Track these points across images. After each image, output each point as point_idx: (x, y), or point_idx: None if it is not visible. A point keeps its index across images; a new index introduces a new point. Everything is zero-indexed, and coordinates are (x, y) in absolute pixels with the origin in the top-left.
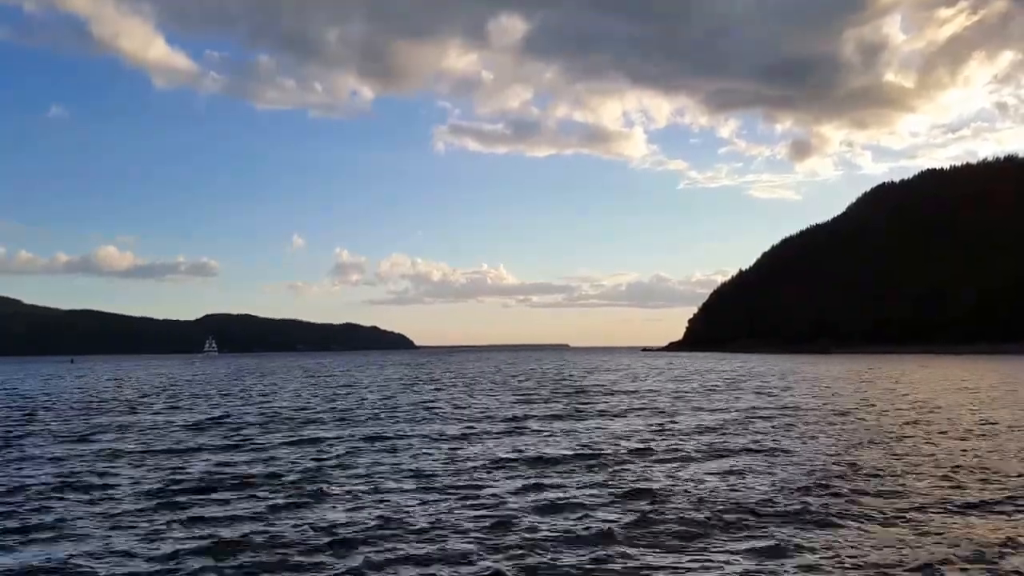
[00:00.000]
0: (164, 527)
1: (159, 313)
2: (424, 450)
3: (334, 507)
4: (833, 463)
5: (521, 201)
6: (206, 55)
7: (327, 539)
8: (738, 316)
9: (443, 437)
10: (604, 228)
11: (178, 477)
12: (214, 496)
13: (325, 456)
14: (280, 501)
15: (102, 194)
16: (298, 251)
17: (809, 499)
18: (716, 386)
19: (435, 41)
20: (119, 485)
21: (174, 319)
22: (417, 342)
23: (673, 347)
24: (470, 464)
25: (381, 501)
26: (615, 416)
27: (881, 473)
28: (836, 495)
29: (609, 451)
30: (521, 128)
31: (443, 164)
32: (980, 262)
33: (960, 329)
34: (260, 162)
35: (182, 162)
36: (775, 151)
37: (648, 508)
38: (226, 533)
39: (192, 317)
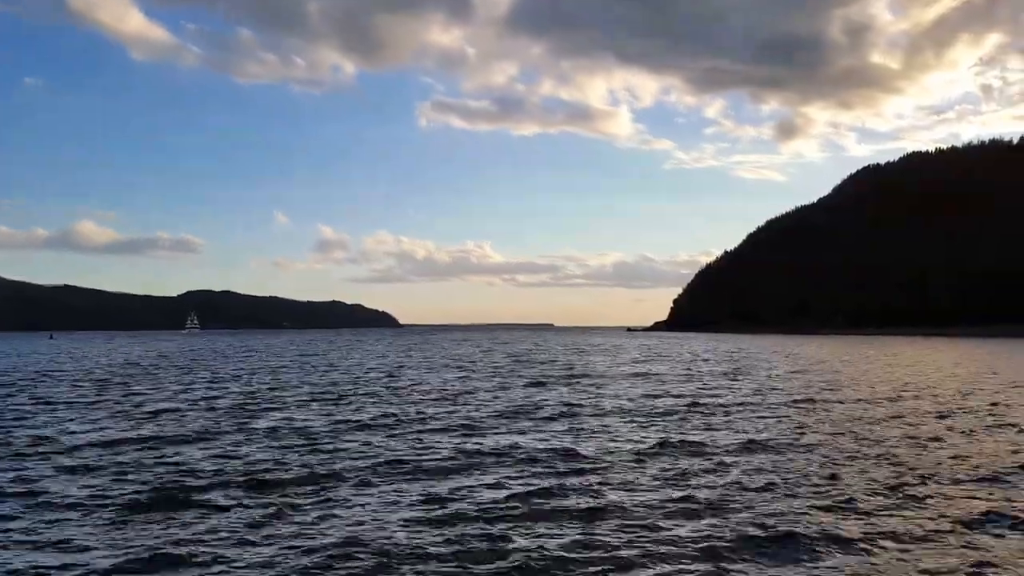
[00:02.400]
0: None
1: (140, 289)
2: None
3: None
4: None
5: (506, 179)
6: (185, 28)
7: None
8: (723, 297)
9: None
10: (590, 207)
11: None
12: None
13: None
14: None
15: (81, 169)
16: (281, 228)
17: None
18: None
19: (418, 15)
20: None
21: (156, 295)
22: (401, 320)
23: (658, 327)
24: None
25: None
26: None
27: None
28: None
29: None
30: (506, 105)
31: (427, 141)
32: (964, 245)
33: (942, 311)
34: (241, 137)
35: (162, 137)
36: (761, 132)
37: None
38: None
39: (174, 293)
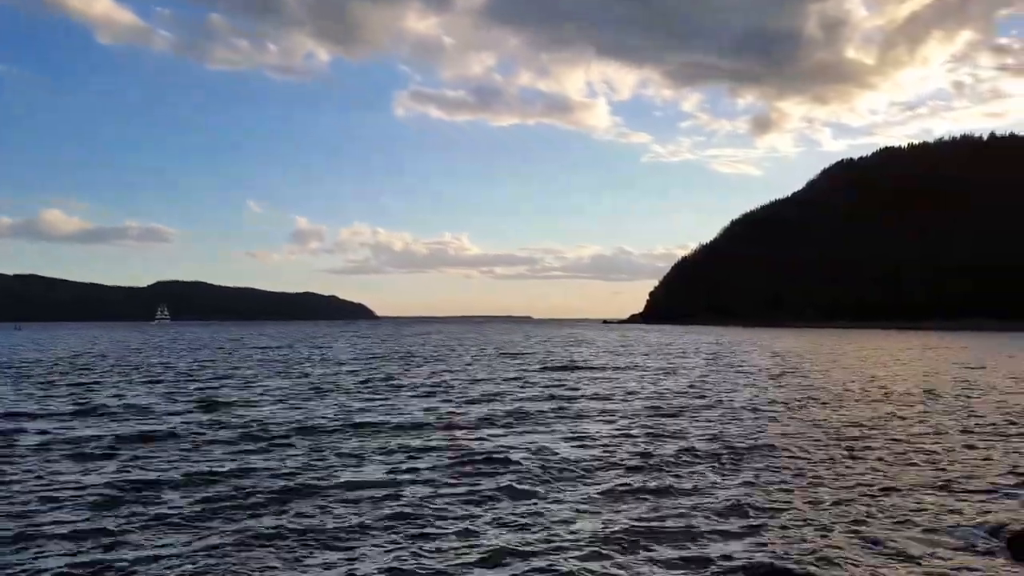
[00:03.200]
0: None
1: (109, 280)
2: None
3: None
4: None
5: (484, 171)
6: (154, 12)
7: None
8: (698, 290)
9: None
10: (567, 200)
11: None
12: None
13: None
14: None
15: (46, 155)
16: (255, 218)
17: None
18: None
19: (393, 2)
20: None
21: (125, 286)
22: (378, 313)
23: (634, 320)
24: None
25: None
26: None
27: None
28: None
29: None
30: (484, 96)
31: (404, 131)
32: (936, 240)
33: (915, 305)
34: (213, 124)
35: (130, 123)
36: (737, 126)
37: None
38: None
39: (144, 284)
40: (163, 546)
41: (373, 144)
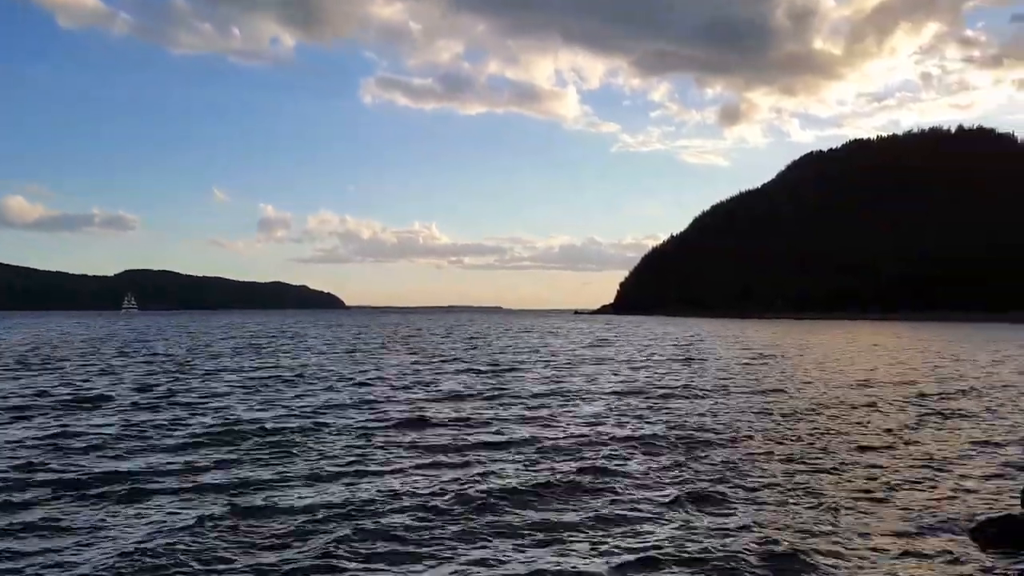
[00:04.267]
0: None
1: (73, 268)
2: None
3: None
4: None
5: (453, 159)
6: None
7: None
8: (668, 281)
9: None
10: (537, 189)
11: None
12: None
13: None
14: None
15: (6, 141)
16: (220, 206)
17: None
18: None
19: None
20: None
21: (91, 274)
22: (347, 302)
23: (604, 311)
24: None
25: None
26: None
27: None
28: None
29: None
30: (451, 83)
31: (371, 118)
32: (904, 231)
33: (884, 296)
34: (176, 110)
35: (92, 108)
36: (705, 116)
37: None
38: None
39: (110, 272)
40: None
41: (340, 131)
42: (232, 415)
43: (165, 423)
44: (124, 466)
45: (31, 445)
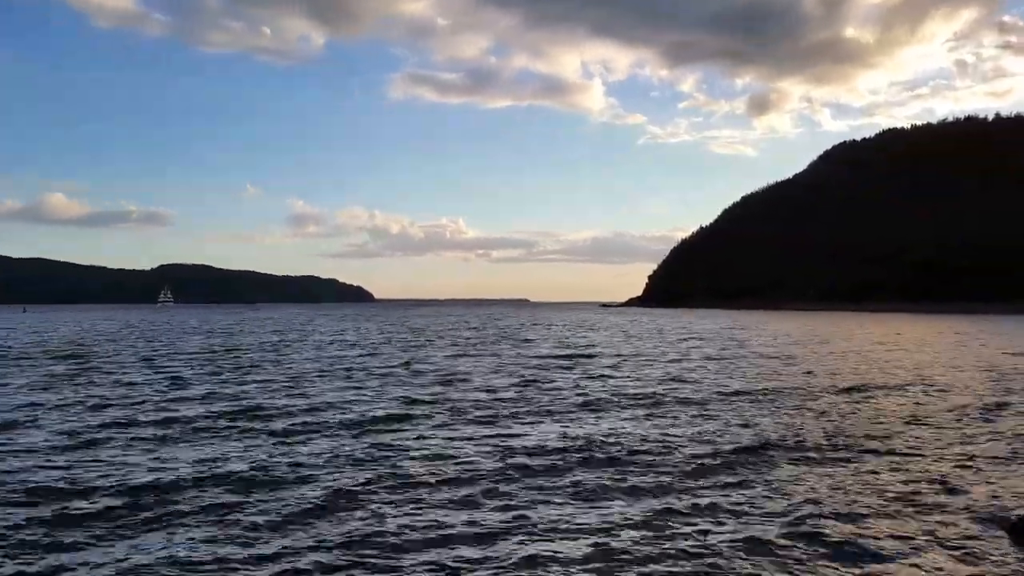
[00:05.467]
0: None
1: (112, 263)
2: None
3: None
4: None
5: (480, 154)
6: None
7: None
8: (698, 273)
9: None
10: (564, 182)
11: None
12: None
13: None
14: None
15: (46, 139)
16: (252, 201)
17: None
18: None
19: None
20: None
21: (129, 269)
22: (376, 295)
23: (633, 303)
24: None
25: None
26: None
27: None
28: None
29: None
30: (478, 78)
31: (399, 113)
32: (939, 221)
33: (917, 287)
34: (208, 107)
35: (127, 107)
36: (735, 106)
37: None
38: None
39: (147, 267)
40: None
41: (368, 127)
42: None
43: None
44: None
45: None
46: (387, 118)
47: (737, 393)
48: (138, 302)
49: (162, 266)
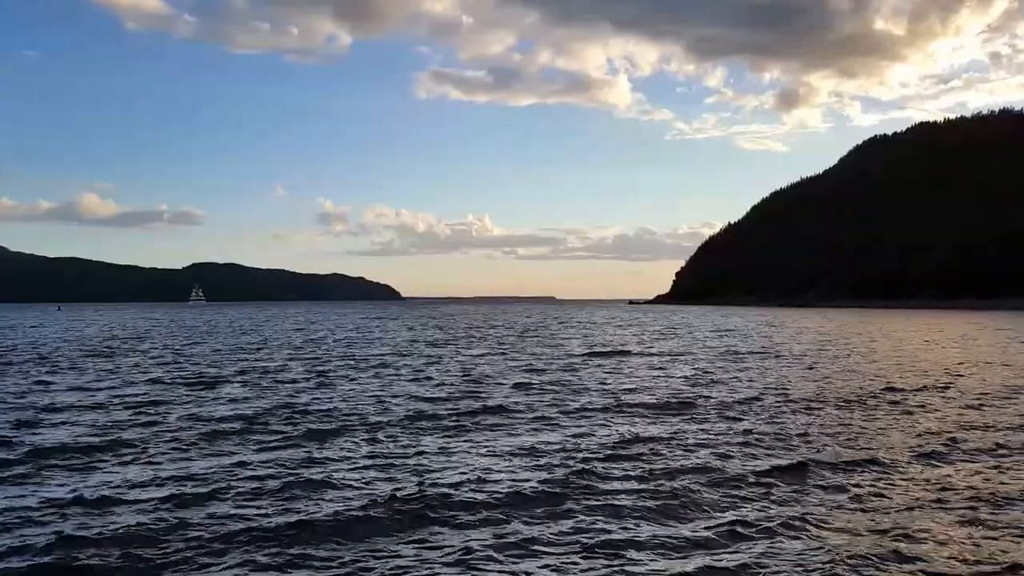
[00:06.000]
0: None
1: (144, 262)
2: None
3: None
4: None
5: (505, 152)
6: None
7: None
8: (727, 269)
9: None
10: (590, 179)
11: None
12: None
13: None
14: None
15: (80, 141)
16: (281, 200)
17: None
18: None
19: None
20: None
21: (162, 268)
22: (403, 293)
23: (660, 300)
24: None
25: None
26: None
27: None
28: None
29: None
30: (503, 75)
31: (424, 112)
32: (974, 217)
33: (951, 284)
34: (237, 108)
35: (158, 108)
36: (763, 101)
37: None
38: None
39: (179, 266)
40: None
41: (394, 126)
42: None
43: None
44: None
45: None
46: (413, 117)
47: (812, 398)
48: (170, 300)
49: (193, 265)
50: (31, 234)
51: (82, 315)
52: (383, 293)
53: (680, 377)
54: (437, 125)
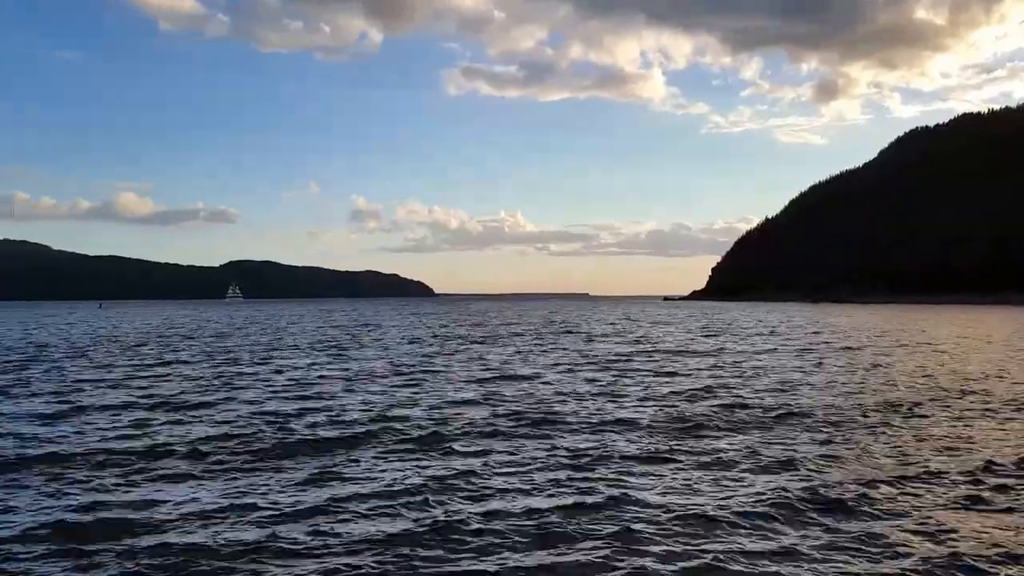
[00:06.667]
0: None
1: (181, 259)
2: None
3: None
4: None
5: (537, 147)
6: None
7: None
8: (764, 265)
9: None
10: (623, 175)
11: None
12: None
13: None
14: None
15: (116, 140)
16: (314, 198)
17: None
18: None
19: None
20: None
21: (199, 265)
22: (436, 290)
23: (696, 296)
24: None
25: None
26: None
27: None
28: None
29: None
30: (534, 70)
31: (455, 108)
32: (1018, 212)
33: (994, 280)
34: (270, 106)
35: (191, 107)
36: (800, 93)
37: None
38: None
39: (216, 263)
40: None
41: (425, 122)
42: None
43: None
44: None
45: None
46: (444, 113)
47: (885, 406)
48: (208, 297)
49: (230, 262)
50: (72, 233)
51: (163, 312)
52: (416, 290)
53: (739, 375)
54: (468, 121)
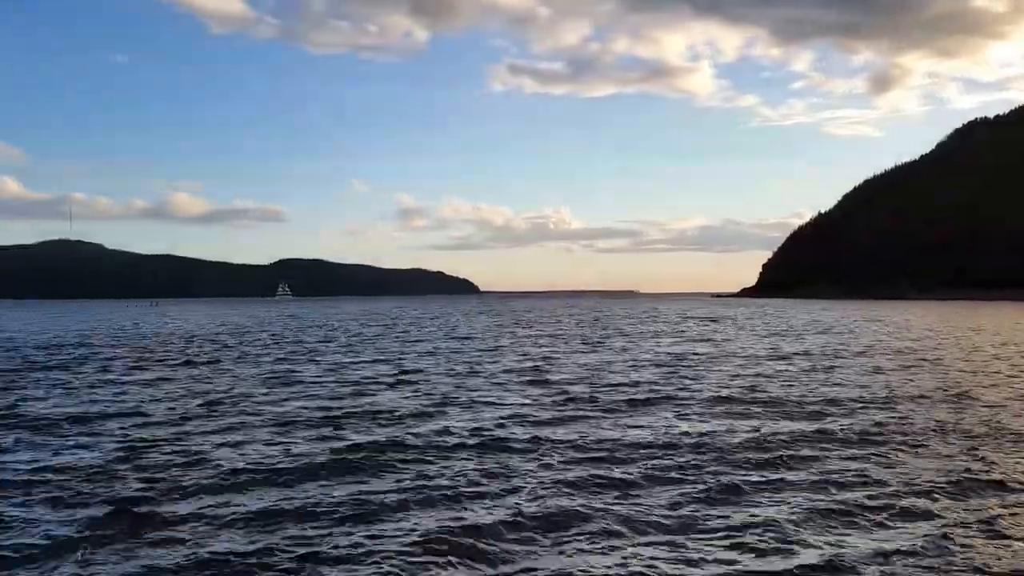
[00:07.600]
0: None
1: (232, 258)
2: None
3: None
4: None
5: (582, 143)
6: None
7: None
8: (817, 261)
9: None
10: (671, 169)
11: None
12: None
13: None
14: None
15: (168, 141)
16: (361, 196)
17: None
18: None
19: None
20: None
21: (250, 264)
22: (482, 288)
23: (747, 293)
24: None
25: None
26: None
27: None
28: None
29: None
30: (579, 66)
31: (500, 105)
32: None
33: None
34: (317, 106)
35: (240, 108)
36: (853, 84)
37: None
38: None
39: (266, 262)
40: None
41: (470, 120)
42: None
43: None
44: None
45: None
46: (489, 110)
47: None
48: (258, 295)
49: (280, 261)
50: (126, 232)
51: (223, 311)
52: (462, 287)
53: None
54: (513, 118)
